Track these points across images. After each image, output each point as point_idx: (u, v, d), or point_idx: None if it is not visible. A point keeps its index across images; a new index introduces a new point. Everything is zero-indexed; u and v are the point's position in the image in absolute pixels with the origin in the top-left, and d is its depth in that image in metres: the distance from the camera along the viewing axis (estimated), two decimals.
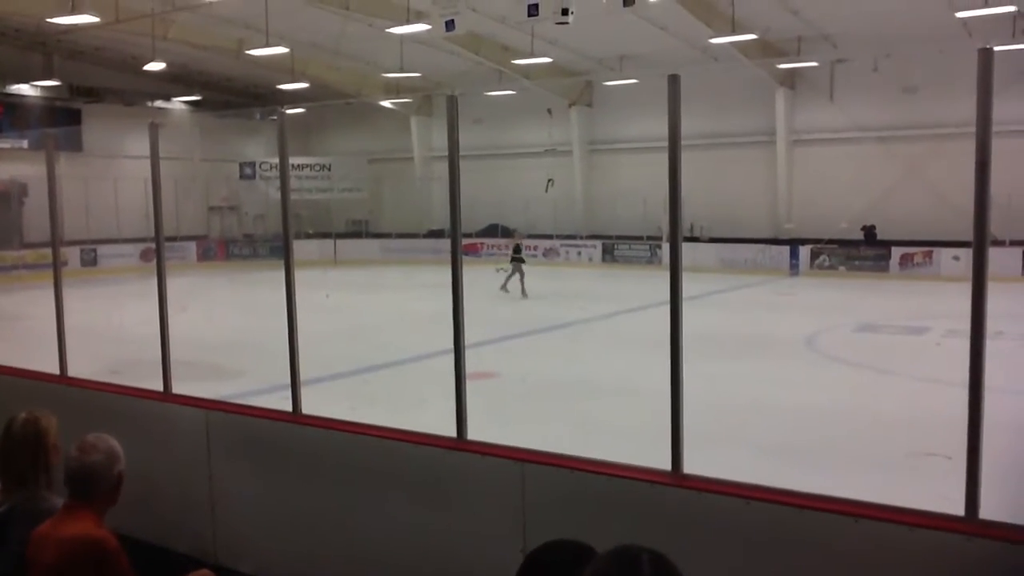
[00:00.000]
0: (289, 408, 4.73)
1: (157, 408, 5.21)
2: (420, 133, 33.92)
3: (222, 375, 11.17)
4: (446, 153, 4.22)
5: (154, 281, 5.38)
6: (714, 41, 22.28)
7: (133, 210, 24.98)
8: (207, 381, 8.92)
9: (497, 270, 20.55)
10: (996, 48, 3.05)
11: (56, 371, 5.87)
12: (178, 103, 31.87)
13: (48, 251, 6.47)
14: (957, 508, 3.01)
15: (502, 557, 2.07)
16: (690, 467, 3.52)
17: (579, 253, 29.79)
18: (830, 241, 25.54)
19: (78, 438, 3.08)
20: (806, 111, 27.00)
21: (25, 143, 27.71)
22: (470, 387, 4.11)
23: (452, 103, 4.14)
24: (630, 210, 27.63)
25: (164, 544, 4.79)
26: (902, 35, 22.31)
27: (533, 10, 14.28)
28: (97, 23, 20.15)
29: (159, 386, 5.30)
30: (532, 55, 24.00)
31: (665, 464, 3.54)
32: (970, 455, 3.02)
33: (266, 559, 4.71)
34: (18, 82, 27.68)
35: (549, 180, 29.08)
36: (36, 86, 27.91)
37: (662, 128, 3.50)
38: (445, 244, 4.67)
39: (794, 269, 25.92)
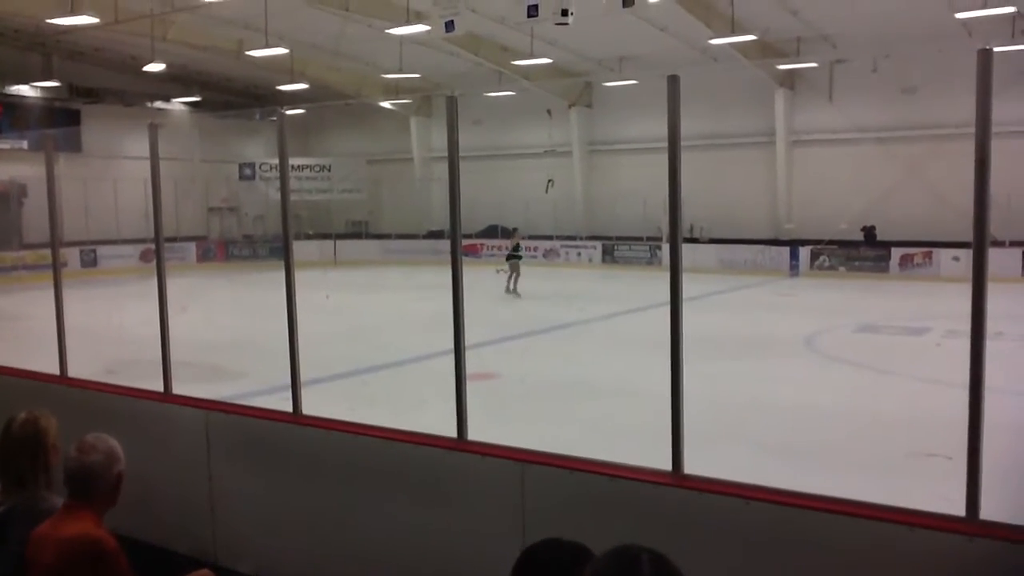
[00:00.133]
0: (289, 409, 4.73)
1: (157, 408, 5.21)
2: (420, 134, 33.92)
3: (222, 376, 11.16)
4: (446, 154, 4.23)
5: (154, 282, 5.38)
6: (713, 42, 22.30)
7: (133, 211, 24.95)
8: (207, 382, 8.92)
9: (497, 271, 20.56)
10: (995, 49, 3.05)
11: (56, 371, 5.87)
12: (177, 104, 31.87)
13: (47, 252, 6.46)
14: (958, 508, 3.01)
15: (502, 557, 2.07)
16: (690, 467, 3.52)
17: (579, 254, 29.79)
18: (830, 242, 25.53)
19: (78, 438, 3.08)
20: (805, 112, 27.01)
21: (24, 144, 27.71)
22: (470, 388, 4.11)
23: (452, 104, 4.14)
24: (630, 211, 27.64)
25: (164, 544, 4.79)
26: (901, 35, 22.32)
27: (533, 11, 14.29)
28: (96, 24, 20.16)
29: (159, 386, 5.30)
30: (532, 56, 24.00)
31: (665, 464, 3.54)
32: (970, 455, 3.02)
33: (266, 559, 4.71)
34: (17, 83, 27.68)
35: (549, 181, 29.12)
36: (35, 87, 27.91)
37: (662, 129, 3.50)
38: (445, 245, 4.67)
39: (794, 270, 25.92)
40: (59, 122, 28.52)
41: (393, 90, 31.55)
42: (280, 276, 4.68)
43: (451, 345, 4.11)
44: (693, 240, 26.24)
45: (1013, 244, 21.72)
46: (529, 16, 14.44)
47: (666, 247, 6.69)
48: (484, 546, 3.85)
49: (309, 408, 4.72)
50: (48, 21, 20.38)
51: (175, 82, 30.44)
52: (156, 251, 5.50)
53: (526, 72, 27.33)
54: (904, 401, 10.02)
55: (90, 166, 28.11)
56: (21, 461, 3.23)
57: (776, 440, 8.28)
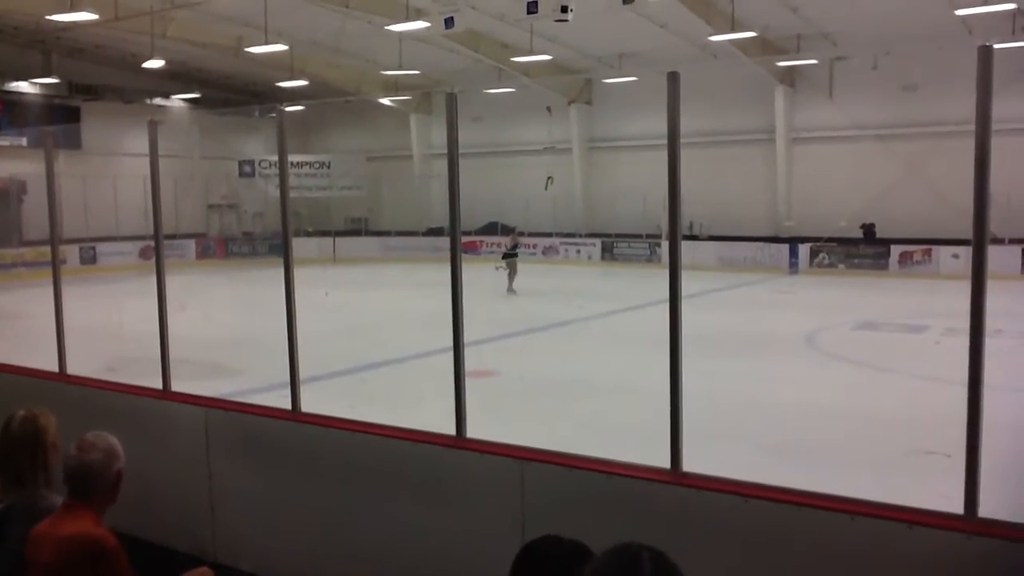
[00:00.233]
0: (288, 406, 4.73)
1: (156, 406, 5.21)
2: (419, 131, 33.91)
3: (221, 373, 11.17)
4: (445, 151, 4.22)
5: (153, 279, 5.38)
6: (714, 39, 22.26)
7: (132, 208, 24.88)
8: (206, 379, 8.93)
9: (496, 268, 20.56)
10: (996, 46, 3.04)
11: (55, 369, 5.87)
12: (177, 101, 31.86)
13: (47, 249, 6.47)
14: (956, 506, 3.01)
15: (501, 555, 2.07)
16: (689, 465, 3.52)
17: (578, 251, 29.79)
18: (829, 239, 25.53)
19: (77, 436, 3.07)
20: (806, 109, 26.99)
21: (24, 141, 27.68)
22: (469, 385, 4.11)
23: (451, 101, 4.14)
24: (629, 208, 27.63)
25: (163, 542, 4.79)
26: (902, 33, 22.31)
27: (532, 7, 14.30)
28: (96, 21, 20.13)
29: (158, 384, 5.30)
30: (531, 53, 23.99)
31: (664, 462, 3.54)
32: (969, 453, 3.02)
33: (265, 557, 4.71)
34: (17, 80, 27.68)
35: (548, 178, 29.06)
36: (35, 84, 27.90)
37: (661, 126, 3.50)
38: (444, 242, 4.67)
39: (793, 267, 25.92)
40: (59, 119, 28.52)
41: (393, 87, 31.53)
42: (279, 273, 4.68)
43: (450, 342, 4.11)
44: (692, 237, 26.22)
45: (1013, 242, 21.71)
46: (529, 13, 14.46)
47: (665, 244, 6.70)
48: (483, 543, 3.85)
49: (308, 405, 4.72)
50: (48, 18, 20.35)
51: (175, 79, 30.43)
52: (155, 248, 5.50)
53: (526, 69, 27.31)
54: (903, 399, 10.02)
55: (90, 163, 28.10)
56: (20, 459, 3.22)
57: (775, 438, 8.28)
